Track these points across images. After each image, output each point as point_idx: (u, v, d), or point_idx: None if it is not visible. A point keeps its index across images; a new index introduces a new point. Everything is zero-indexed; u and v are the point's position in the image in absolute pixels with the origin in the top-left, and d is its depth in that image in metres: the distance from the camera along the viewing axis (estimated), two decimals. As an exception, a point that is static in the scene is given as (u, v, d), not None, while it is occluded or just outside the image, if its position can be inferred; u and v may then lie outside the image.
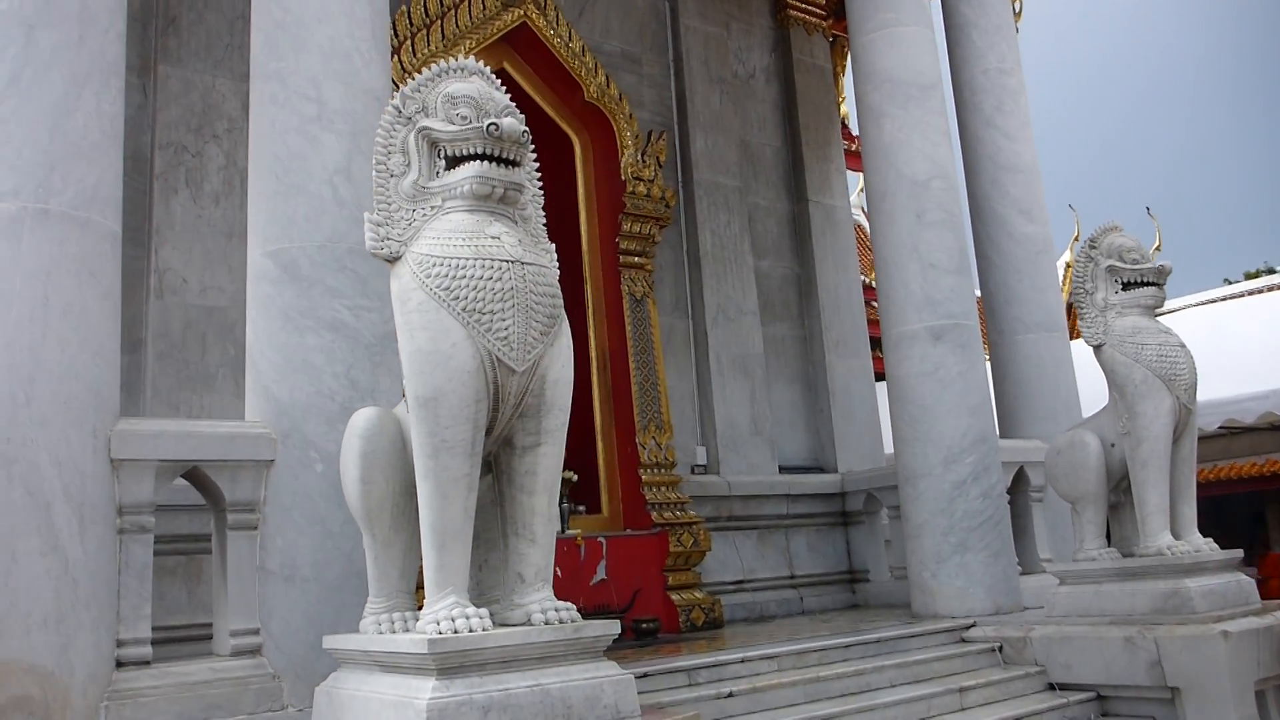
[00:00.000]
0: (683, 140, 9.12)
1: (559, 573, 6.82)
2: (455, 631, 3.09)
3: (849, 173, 10.86)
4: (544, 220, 3.88)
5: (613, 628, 3.39)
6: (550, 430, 3.47)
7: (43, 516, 3.69)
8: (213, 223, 6.56)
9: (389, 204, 3.55)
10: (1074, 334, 8.11)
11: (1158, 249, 21.47)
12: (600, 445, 7.87)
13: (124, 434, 4.02)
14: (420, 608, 3.31)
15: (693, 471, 8.46)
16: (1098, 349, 5.93)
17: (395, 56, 6.98)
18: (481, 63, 3.84)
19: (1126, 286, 5.96)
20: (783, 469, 9.05)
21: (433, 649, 3.00)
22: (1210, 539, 5.81)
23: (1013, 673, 5.70)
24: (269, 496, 4.32)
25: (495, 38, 7.62)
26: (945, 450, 6.69)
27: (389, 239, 3.49)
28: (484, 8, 7.55)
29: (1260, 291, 16.49)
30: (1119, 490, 6.06)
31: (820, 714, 4.82)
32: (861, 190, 11.27)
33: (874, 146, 7.27)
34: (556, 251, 8.23)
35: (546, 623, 3.27)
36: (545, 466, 3.46)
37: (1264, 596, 6.06)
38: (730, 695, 4.80)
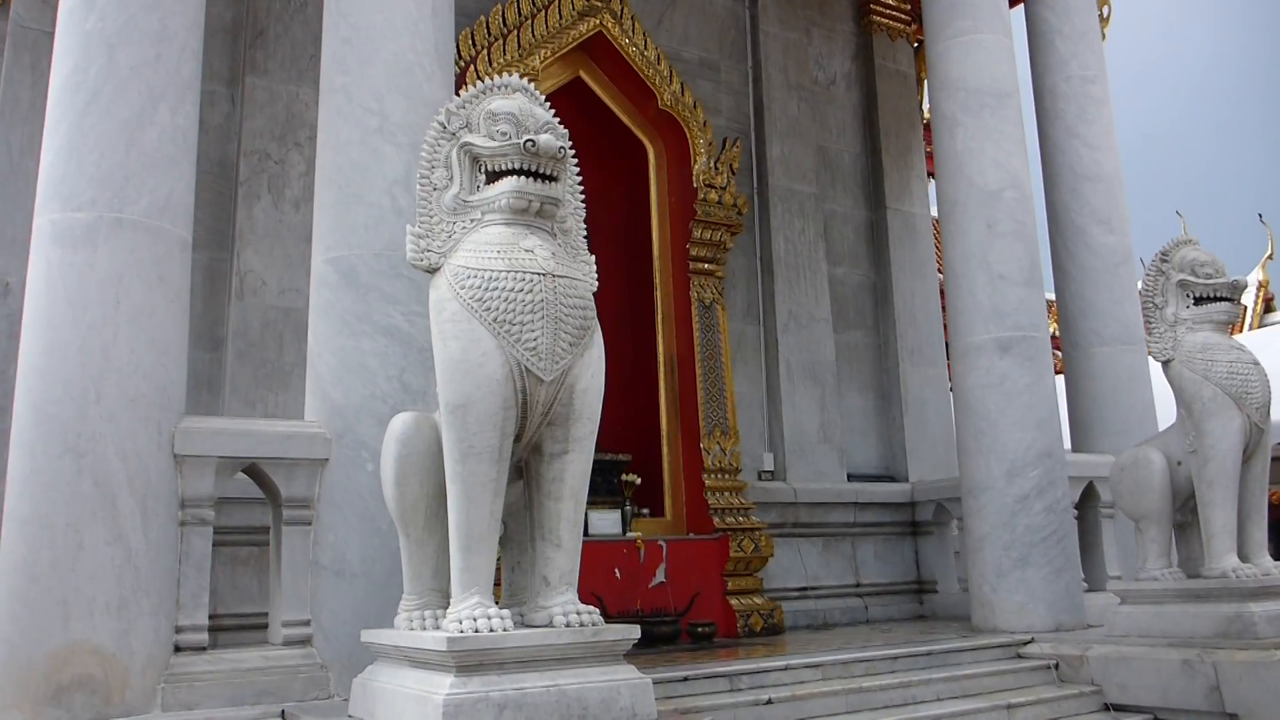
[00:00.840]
0: (759, 147, 9.15)
1: (618, 574, 6.97)
2: (476, 631, 3.22)
3: (930, 180, 10.73)
4: (585, 233, 3.99)
5: (632, 632, 3.47)
6: (578, 438, 3.57)
7: (109, 507, 3.95)
8: (292, 227, 6.85)
9: (430, 216, 3.69)
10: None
11: (1270, 257, 20.63)
12: (665, 449, 7.95)
13: (187, 431, 4.26)
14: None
15: (759, 477, 8.49)
16: (1166, 365, 5.80)
17: (472, 66, 7.19)
18: (527, 79, 3.97)
19: (1199, 301, 5.81)
20: (853, 477, 9.01)
21: (452, 646, 3.13)
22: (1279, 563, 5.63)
23: (1066, 691, 5.61)
24: (322, 494, 4.53)
25: (571, 46, 7.76)
26: (1009, 463, 6.60)
27: (429, 250, 3.64)
28: (560, 17, 7.70)
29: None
30: (1185, 509, 5.91)
31: (859, 725, 4.83)
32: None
33: (946, 155, 7.20)
34: (628, 257, 8.44)
35: (567, 625, 3.37)
36: (572, 473, 3.56)
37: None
38: (769, 702, 4.85)
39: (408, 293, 4.67)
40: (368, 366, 4.59)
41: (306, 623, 4.43)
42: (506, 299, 3.43)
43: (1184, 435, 5.75)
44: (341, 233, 4.77)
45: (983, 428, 6.75)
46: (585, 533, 7.12)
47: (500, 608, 3.59)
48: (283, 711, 4.08)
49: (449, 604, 3.56)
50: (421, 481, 3.62)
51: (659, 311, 8.13)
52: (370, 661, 3.89)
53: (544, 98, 3.96)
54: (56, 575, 3.86)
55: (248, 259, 6.77)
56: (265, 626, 4.81)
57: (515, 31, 7.51)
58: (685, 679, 4.85)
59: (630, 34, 7.97)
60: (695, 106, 8.12)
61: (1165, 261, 5.96)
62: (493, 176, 3.68)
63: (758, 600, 7.53)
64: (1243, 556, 5.57)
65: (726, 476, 7.77)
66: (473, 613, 3.28)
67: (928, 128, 11.62)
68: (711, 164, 8.04)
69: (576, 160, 3.97)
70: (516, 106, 3.74)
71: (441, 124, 3.78)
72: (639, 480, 7.54)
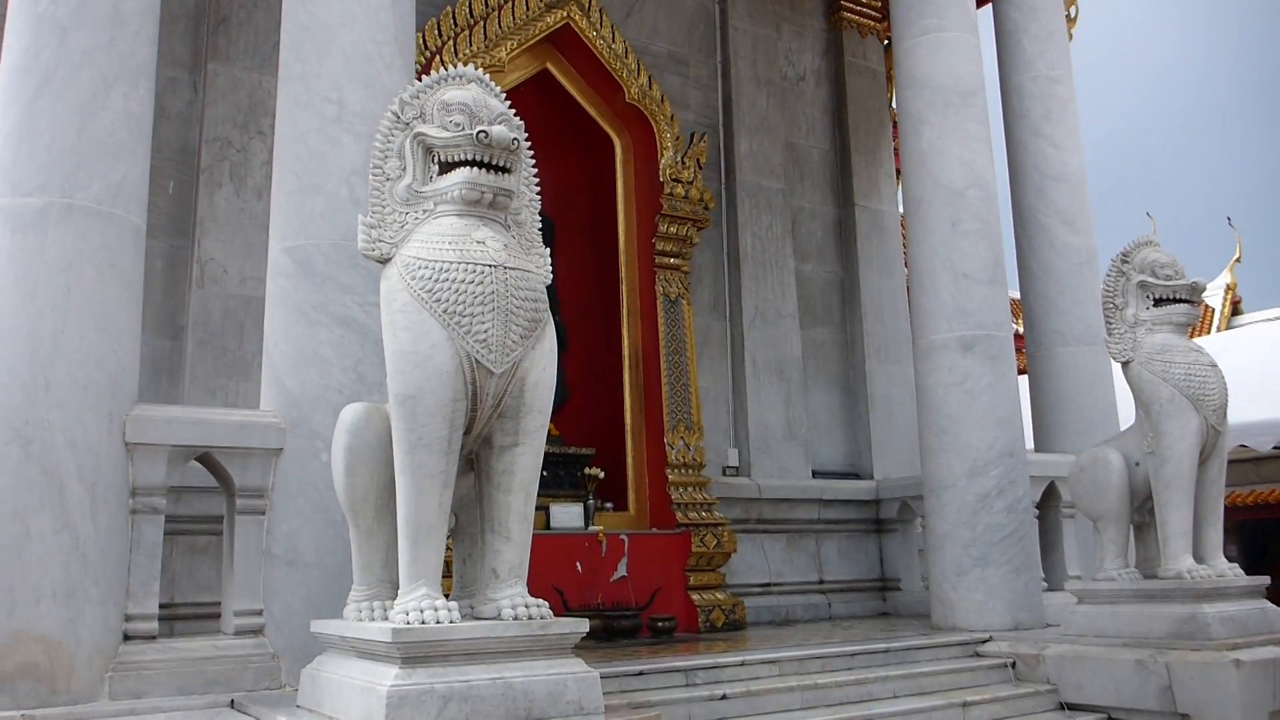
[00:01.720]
0: (727, 142, 9.15)
1: (580, 568, 6.96)
2: (422, 623, 3.20)
3: (899, 178, 10.77)
4: (539, 225, 3.96)
5: (580, 626, 3.46)
6: (529, 431, 3.55)
7: (56, 495, 3.90)
8: (254, 215, 6.78)
9: (383, 206, 3.67)
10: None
11: (1238, 260, 20.83)
12: (630, 444, 7.95)
13: (139, 419, 4.21)
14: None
15: (724, 473, 8.50)
16: (1125, 366, 5.84)
17: (437, 57, 7.15)
18: (491, 72, 3.95)
19: (1158, 303, 5.85)
20: (817, 473, 9.03)
21: (397, 638, 3.11)
22: (1235, 564, 5.69)
23: (1022, 690, 5.64)
24: (277, 484, 4.49)
25: (538, 38, 7.74)
26: (970, 462, 6.63)
27: (381, 241, 3.61)
28: (527, 9, 7.67)
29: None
30: (1143, 510, 5.95)
31: (813, 721, 4.84)
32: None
33: (912, 153, 7.22)
34: (594, 251, 8.41)
35: (515, 618, 3.36)
36: (522, 466, 3.55)
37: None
38: (724, 698, 4.85)
39: (364, 283, 4.62)
40: (323, 357, 4.56)
41: (259, 612, 4.39)
42: (457, 290, 3.41)
43: (1142, 436, 5.78)
44: (298, 222, 4.73)
45: (945, 426, 6.78)
46: (547, 526, 7.15)
47: (450, 600, 3.58)
48: (232, 701, 4.05)
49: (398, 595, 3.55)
50: (372, 472, 3.60)
51: (624, 306, 8.12)
52: (321, 652, 3.87)
53: (500, 89, 3.93)
54: (2, 563, 3.80)
55: (209, 247, 6.71)
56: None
57: (482, 23, 7.48)
58: (640, 673, 4.85)
59: (598, 27, 7.95)
60: (663, 100, 8.12)
61: (1126, 262, 5.99)
62: (446, 167, 3.65)
63: (720, 596, 7.54)
64: (1198, 558, 5.62)
65: (690, 472, 7.78)
66: (419, 604, 3.27)
67: (897, 125, 11.70)
68: (679, 158, 8.04)
69: (532, 152, 3.95)
70: (471, 97, 3.72)
71: (395, 113, 3.76)
72: (602, 474, 7.53)
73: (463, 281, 3.42)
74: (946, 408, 6.78)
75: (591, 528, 7.21)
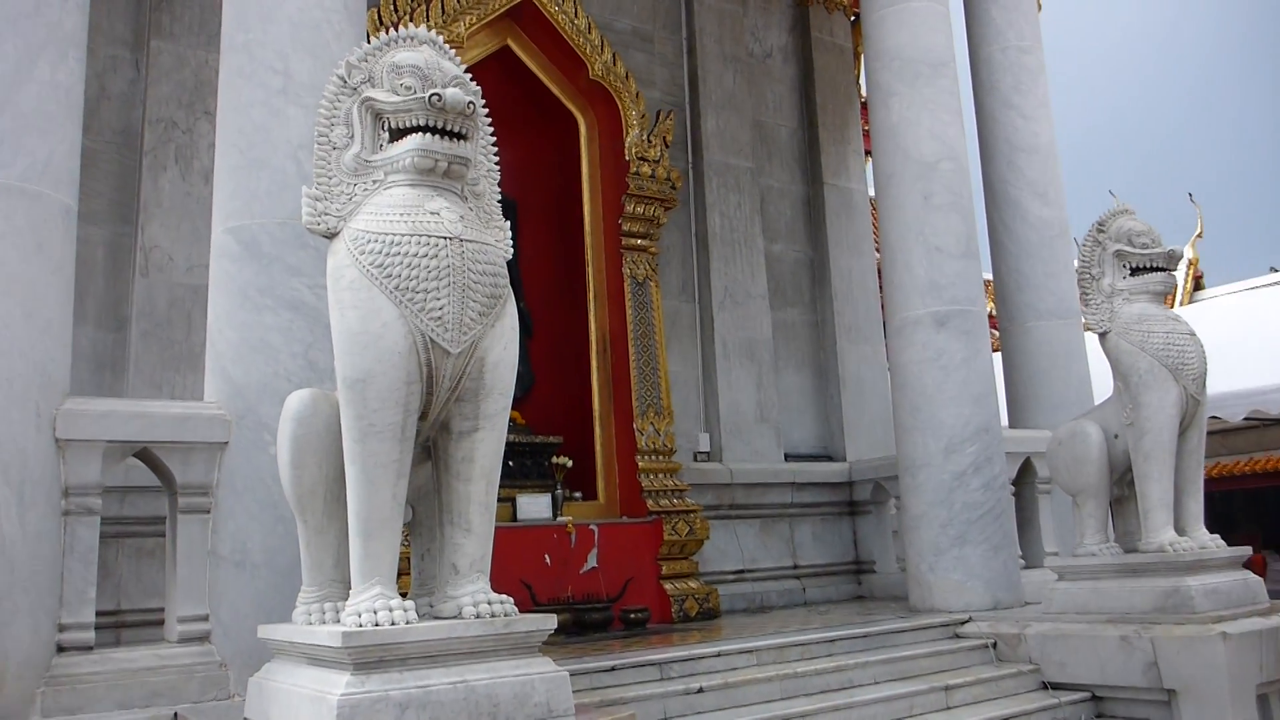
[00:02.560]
0: (694, 120, 8.93)
1: (549, 560, 6.74)
2: (376, 624, 2.97)
3: (868, 158, 10.61)
4: (499, 197, 3.72)
5: (547, 623, 3.25)
6: (489, 415, 3.32)
7: (-21, 496, 3.63)
8: (201, 200, 6.48)
9: (329, 178, 3.42)
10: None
11: (1199, 235, 20.89)
12: (598, 430, 7.73)
13: (70, 413, 3.95)
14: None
15: (695, 459, 8.31)
16: (1102, 336, 5.70)
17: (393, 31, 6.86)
18: (435, 32, 3.69)
19: (1135, 272, 5.71)
20: (790, 457, 8.87)
21: (347, 642, 2.88)
22: (1217, 536, 5.57)
23: (1005, 671, 5.50)
24: (222, 480, 4.24)
25: (498, 13, 7.47)
26: (946, 440, 6.49)
27: (326, 214, 3.36)
28: (485, -18, 7.40)
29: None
30: (1122, 483, 5.83)
31: (794, 711, 4.65)
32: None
33: (882, 126, 7.04)
34: (559, 233, 8.16)
35: (477, 616, 3.13)
36: (483, 452, 3.32)
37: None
38: (700, 691, 4.65)
39: (314, 264, 4.37)
40: (271, 343, 4.30)
41: (205, 618, 4.15)
42: (409, 265, 3.17)
43: (1121, 408, 5.65)
44: (243, 200, 4.46)
45: (920, 403, 6.63)
46: (513, 518, 6.91)
47: (409, 598, 3.35)
48: (175, 714, 3.81)
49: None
50: (320, 463, 3.36)
51: (591, 289, 7.90)
52: (270, 659, 3.63)
53: (456, 55, 3.68)
54: (-79, 571, 3.54)
55: (153, 234, 6.41)
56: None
57: (439, -3, 7.20)
58: (613, 668, 4.64)
59: (560, 2, 7.69)
60: (627, 77, 7.87)
61: (1102, 231, 5.85)
62: (396, 134, 3.41)
63: (693, 584, 7.35)
64: (1179, 530, 5.49)
65: (660, 458, 7.57)
66: (373, 604, 3.03)
67: (865, 106, 11.53)
68: (644, 136, 7.80)
69: (492, 125, 3.71)
70: (423, 59, 3.47)
71: (341, 78, 3.50)
72: (570, 463, 7.31)
73: (415, 255, 3.18)
74: (921, 385, 6.62)
75: (560, 518, 6.99)
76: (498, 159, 3.76)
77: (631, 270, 7.75)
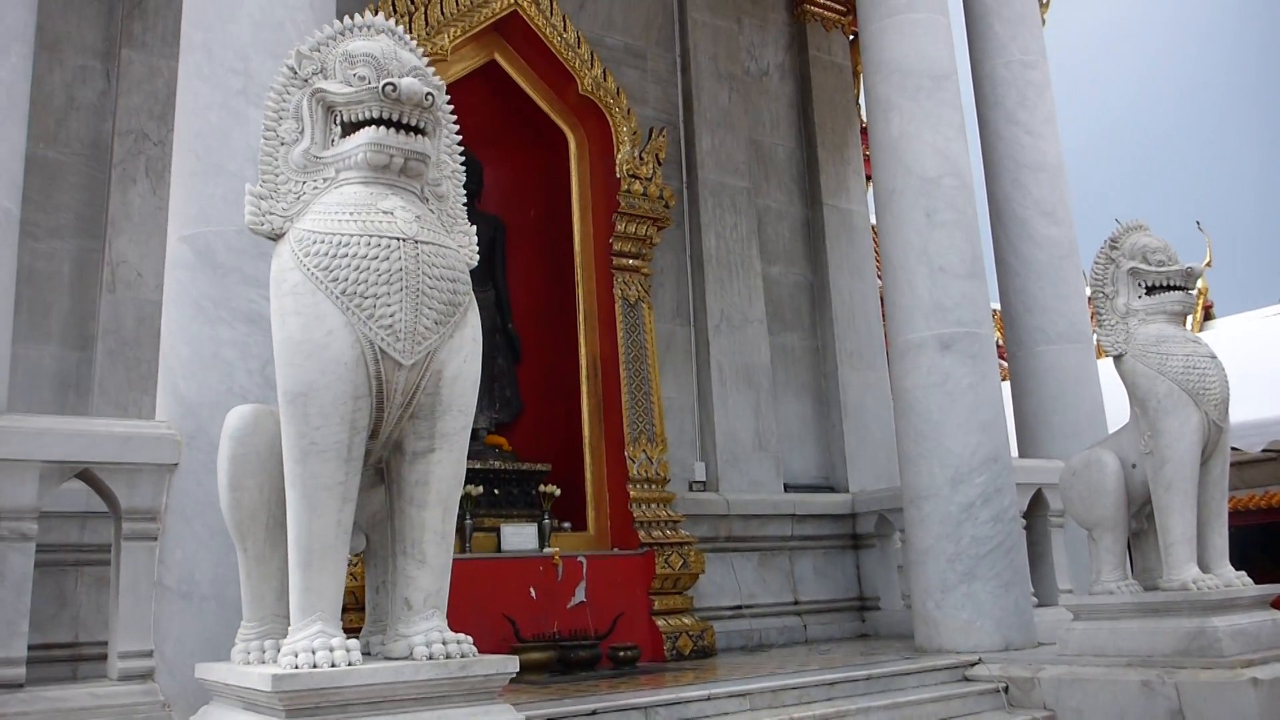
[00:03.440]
0: (688, 139, 8.67)
1: (534, 593, 6.39)
2: (314, 665, 2.65)
3: (869, 181, 10.34)
4: (464, 200, 3.47)
5: (508, 665, 2.92)
6: (446, 434, 3.02)
7: (-104, 522, 3.32)
8: (171, 215, 6.21)
9: (276, 175, 3.14)
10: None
11: (1209, 264, 20.58)
12: (588, 458, 7.39)
13: (3, 431, 3.64)
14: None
15: (690, 488, 7.97)
16: (1118, 359, 5.38)
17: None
18: (394, 21, 3.42)
19: (1151, 291, 5.40)
20: (789, 487, 8.52)
21: (279, 686, 2.56)
22: (1244, 572, 5.21)
23: (1017, 717, 5.14)
24: (170, 504, 3.93)
25: (483, 26, 7.21)
26: (953, 469, 6.15)
27: (271, 213, 3.08)
28: (472, -6, 7.16)
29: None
30: (1141, 516, 5.48)
31: (789, 761, 4.30)
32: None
33: (882, 141, 6.76)
34: (548, 253, 7.86)
35: (429, 657, 2.82)
36: (439, 475, 3.01)
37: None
38: (688, 737, 4.31)
39: (273, 275, 4.07)
40: (225, 358, 4.00)
41: (149, 654, 3.82)
42: (358, 267, 2.88)
43: (1139, 435, 5.32)
44: (199, 206, 4.18)
45: (925, 431, 6.29)
46: (498, 549, 6.57)
47: (362, 636, 3.04)
48: (107, 761, 3.47)
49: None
50: (261, 486, 3.05)
51: (581, 311, 7.59)
52: (208, 700, 3.31)
53: (415, 43, 3.41)
54: None
55: (121, 248, 6.13)
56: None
57: (423, 9, 6.96)
58: (593, 712, 4.29)
59: (548, 14, 7.44)
60: (619, 93, 7.61)
61: (1115, 248, 5.55)
62: (349, 128, 3.14)
63: (687, 620, 6.98)
64: (1203, 566, 5.15)
65: (653, 487, 7.23)
66: (311, 643, 2.72)
67: (865, 129, 11.29)
68: (636, 153, 7.53)
69: (461, 135, 3.46)
70: (379, 48, 3.20)
71: (291, 68, 3.23)
72: (558, 491, 6.97)
73: (365, 257, 2.90)
74: (926, 411, 6.29)
75: (546, 550, 6.64)
76: (463, 159, 3.50)
77: (623, 291, 7.45)
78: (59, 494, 3.94)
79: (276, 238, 3.06)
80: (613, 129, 7.54)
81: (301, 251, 2.93)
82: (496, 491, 6.99)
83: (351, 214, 2.97)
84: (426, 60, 3.38)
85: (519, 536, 6.64)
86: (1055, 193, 7.57)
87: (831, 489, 8.82)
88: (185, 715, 3.66)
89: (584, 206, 7.74)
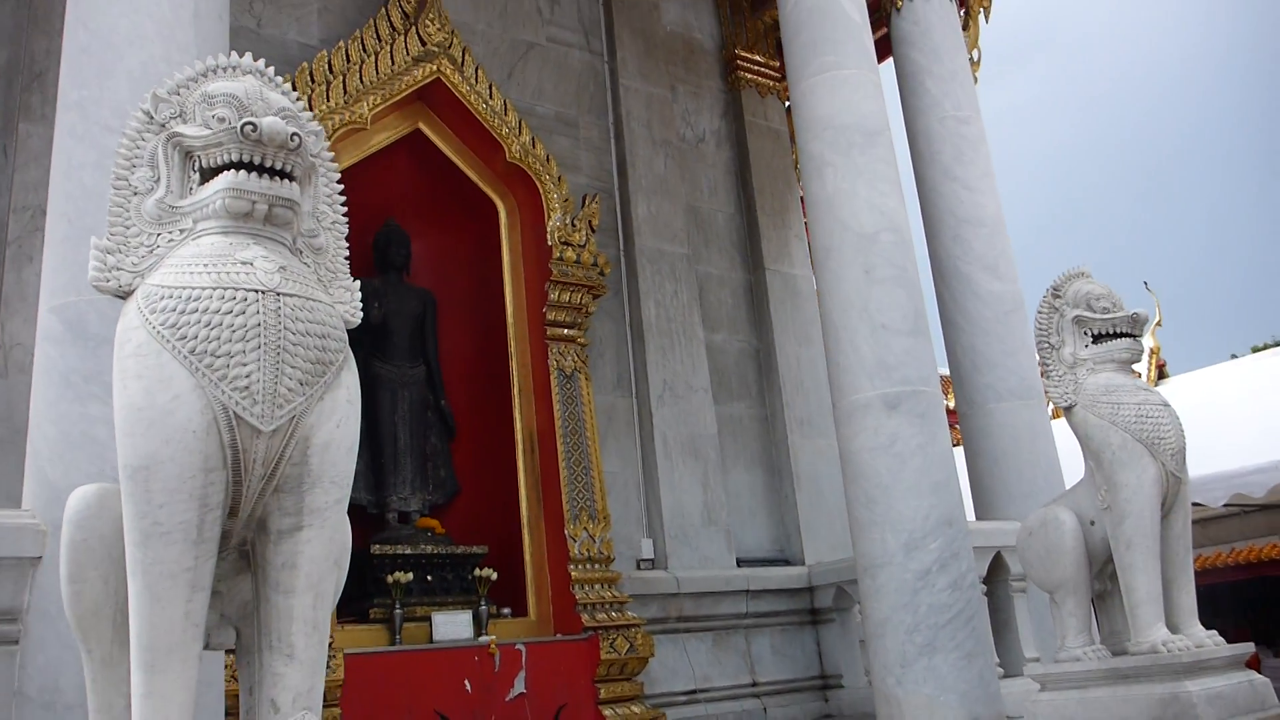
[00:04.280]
0: (624, 206, 8.47)
1: (469, 686, 5.96)
2: (151, 787, 2.26)
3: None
4: (346, 254, 3.14)
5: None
6: (316, 509, 2.66)
7: None
8: (70, 295, 5.86)
9: (126, 228, 2.82)
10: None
11: (1159, 324, 20.70)
12: (527, 539, 7.01)
13: None
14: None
15: (638, 566, 7.58)
16: (1068, 411, 5.14)
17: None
18: (263, 63, 3.14)
19: (1098, 339, 5.20)
20: (742, 561, 8.15)
21: (102, 814, 2.17)
22: (1214, 631, 4.92)
23: (985, 800, 4.76)
24: (33, 603, 3.52)
25: (405, 93, 7.01)
26: (906, 534, 5.83)
27: (119, 269, 2.76)
28: (392, 63, 6.96)
29: (1264, 348, 15.62)
30: (1104, 576, 5.19)
31: None
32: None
33: (817, 198, 6.57)
34: (481, 326, 7.55)
35: (296, 770, 2.43)
36: (309, 556, 2.65)
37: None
38: (623, 841, 3.89)
39: (150, 346, 3.73)
40: (96, 437, 3.65)
41: (4, 777, 3.38)
42: (209, 323, 2.55)
43: (1095, 490, 5.06)
44: (69, 274, 3.87)
45: (875, 495, 5.99)
46: (430, 639, 6.15)
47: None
48: None
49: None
50: (106, 577, 2.67)
51: (515, 384, 7.28)
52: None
53: (291, 88, 3.14)
54: None
55: (15, 330, 5.77)
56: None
57: (342, 77, 6.75)
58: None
59: (472, 82, 7.26)
60: (548, 159, 7.41)
61: (1058, 297, 5.36)
62: (208, 174, 2.83)
63: (636, 709, 6.55)
64: (1171, 626, 4.85)
65: (596, 567, 6.85)
66: (151, 760, 2.33)
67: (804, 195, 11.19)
68: (568, 220, 7.30)
69: (335, 162, 3.16)
70: (243, 89, 2.92)
71: (147, 112, 2.93)
72: (495, 575, 6.57)
73: (217, 312, 2.57)
74: (875, 474, 6.00)
75: (482, 638, 6.23)
76: (346, 204, 3.20)
77: (559, 362, 7.15)
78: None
79: (125, 295, 2.74)
80: (543, 196, 7.33)
81: (148, 308, 2.60)
82: (429, 578, 6.59)
83: (206, 266, 2.66)
84: (302, 105, 3.11)
85: (452, 625, 6.22)
86: (996, 247, 7.42)
87: (787, 562, 8.47)
88: (41, 846, 3.23)
89: (516, 276, 7.48)
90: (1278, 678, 5.76)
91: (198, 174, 2.86)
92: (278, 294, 2.65)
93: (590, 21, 8.89)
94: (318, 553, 2.66)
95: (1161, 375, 19.78)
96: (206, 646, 2.86)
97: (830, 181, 6.46)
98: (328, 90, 6.64)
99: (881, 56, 8.30)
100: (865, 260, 6.26)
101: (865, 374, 6.12)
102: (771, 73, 9.87)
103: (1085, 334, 5.23)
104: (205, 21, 4.31)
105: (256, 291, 2.62)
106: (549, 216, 7.27)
